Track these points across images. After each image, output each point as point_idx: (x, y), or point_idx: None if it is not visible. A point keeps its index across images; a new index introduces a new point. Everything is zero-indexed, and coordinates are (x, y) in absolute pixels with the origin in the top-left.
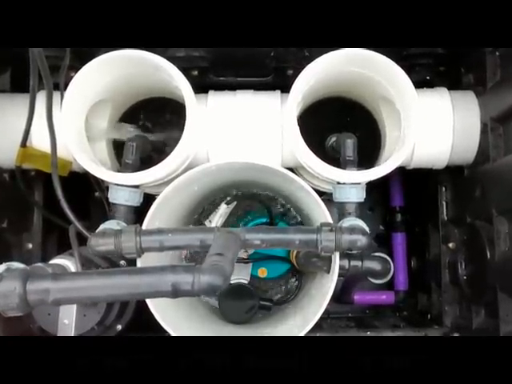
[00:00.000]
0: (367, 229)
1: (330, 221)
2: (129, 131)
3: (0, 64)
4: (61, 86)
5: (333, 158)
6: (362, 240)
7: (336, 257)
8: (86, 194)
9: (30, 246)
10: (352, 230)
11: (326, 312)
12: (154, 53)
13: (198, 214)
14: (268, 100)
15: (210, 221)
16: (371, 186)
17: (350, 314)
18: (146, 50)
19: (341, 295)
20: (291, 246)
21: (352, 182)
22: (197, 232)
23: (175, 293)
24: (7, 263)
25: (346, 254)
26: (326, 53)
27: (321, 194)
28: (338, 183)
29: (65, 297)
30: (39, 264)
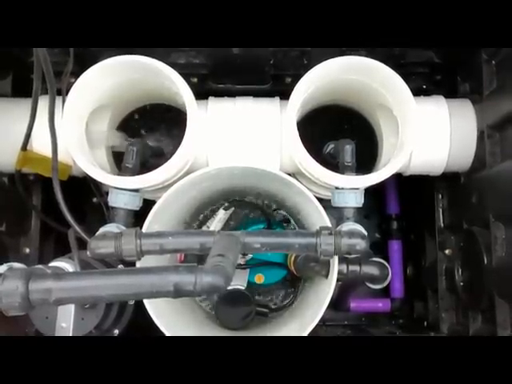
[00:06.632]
0: (366, 233)
1: (329, 225)
2: (127, 141)
3: (2, 68)
4: (63, 91)
5: (330, 164)
6: (361, 244)
7: (335, 261)
8: (83, 199)
9: (28, 250)
10: (351, 233)
11: (322, 319)
12: (155, 59)
13: (197, 220)
14: (267, 106)
15: (208, 226)
16: (367, 194)
17: (345, 322)
18: (148, 52)
19: (337, 303)
20: (291, 250)
21: (351, 187)
22: (197, 235)
23: (177, 293)
24: (8, 264)
25: (344, 259)
26: (324, 60)
27: (318, 201)
28: (337, 188)
29: (67, 296)
30: (39, 266)
